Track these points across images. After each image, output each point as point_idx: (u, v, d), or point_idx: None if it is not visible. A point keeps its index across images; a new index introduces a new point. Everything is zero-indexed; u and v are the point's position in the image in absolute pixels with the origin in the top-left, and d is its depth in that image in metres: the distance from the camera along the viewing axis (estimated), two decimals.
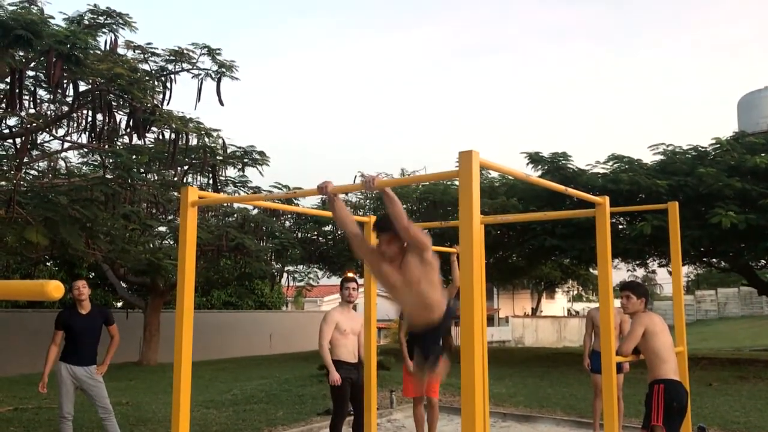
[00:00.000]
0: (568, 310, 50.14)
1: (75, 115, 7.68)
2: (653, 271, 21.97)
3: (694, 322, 41.27)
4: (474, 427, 3.16)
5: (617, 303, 5.82)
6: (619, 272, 20.91)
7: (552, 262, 23.34)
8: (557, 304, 50.38)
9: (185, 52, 7.37)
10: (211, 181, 8.91)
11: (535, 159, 15.54)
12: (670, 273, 7.30)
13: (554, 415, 9.08)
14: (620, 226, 15.52)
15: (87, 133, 7.51)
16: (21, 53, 6.49)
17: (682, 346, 5.77)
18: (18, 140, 7.61)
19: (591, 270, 25.56)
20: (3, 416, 9.13)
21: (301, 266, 20.43)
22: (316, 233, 19.82)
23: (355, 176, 17.53)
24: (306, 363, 16.45)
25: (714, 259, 17.77)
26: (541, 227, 15.38)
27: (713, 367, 15.13)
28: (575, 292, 47.24)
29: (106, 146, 7.99)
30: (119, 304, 22.42)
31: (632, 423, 7.76)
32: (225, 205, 14.40)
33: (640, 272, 20.87)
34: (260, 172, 9.52)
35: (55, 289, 1.29)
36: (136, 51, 7.49)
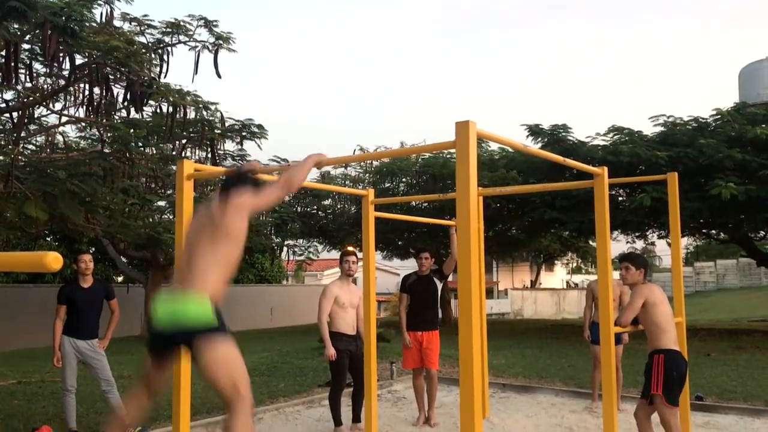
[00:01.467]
0: (567, 283, 50.36)
1: (72, 88, 7.61)
2: (652, 243, 22.00)
3: (692, 294, 41.47)
4: (473, 397, 3.19)
5: (616, 275, 5.84)
6: (619, 244, 20.92)
7: (551, 235, 23.37)
8: (556, 276, 50.58)
9: (182, 24, 7.29)
10: (209, 155, 8.87)
11: (535, 131, 15.48)
12: (669, 245, 7.32)
13: (553, 385, 9.16)
14: (620, 198, 15.51)
15: (84, 107, 7.46)
16: (16, 26, 6.42)
17: (681, 317, 5.80)
18: (15, 114, 7.56)
19: (590, 242, 25.62)
20: (7, 389, 9.21)
21: (301, 240, 20.46)
22: (315, 207, 19.82)
23: (354, 149, 17.50)
24: (307, 336, 16.55)
25: (713, 231, 17.79)
26: (541, 200, 15.37)
27: (711, 337, 15.23)
28: (574, 264, 47.43)
29: (104, 120, 7.94)
30: (120, 279, 22.50)
31: (631, 393, 7.82)
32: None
33: (640, 244, 20.91)
34: (258, 146, 9.48)
35: (54, 260, 1.29)
36: (132, 23, 7.41)
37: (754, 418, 7.14)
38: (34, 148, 9.08)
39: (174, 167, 9.27)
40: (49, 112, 8.30)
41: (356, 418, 6.82)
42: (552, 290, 40.30)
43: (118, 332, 7.23)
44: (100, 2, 6.85)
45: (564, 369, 10.63)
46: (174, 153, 9.20)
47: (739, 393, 8.34)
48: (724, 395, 8.23)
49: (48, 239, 19.74)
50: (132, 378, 9.95)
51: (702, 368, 10.19)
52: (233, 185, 3.62)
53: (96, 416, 7.29)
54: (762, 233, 17.13)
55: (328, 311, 6.68)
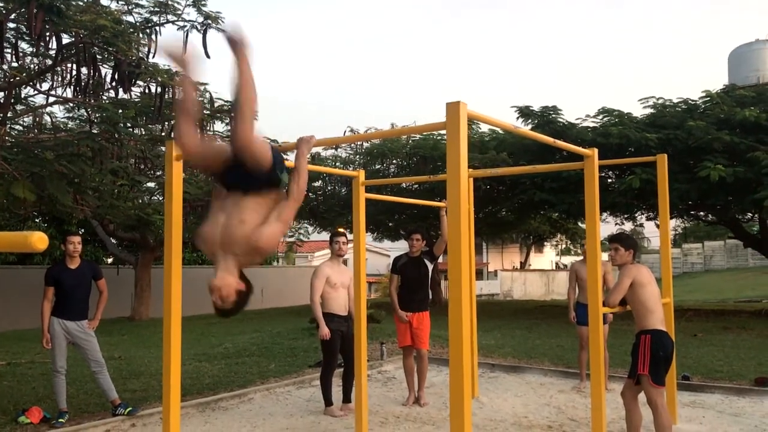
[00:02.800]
0: (557, 264, 50.63)
1: (59, 68, 7.53)
2: (641, 225, 22.11)
3: (680, 275, 41.80)
4: (462, 377, 3.22)
5: (605, 256, 5.88)
6: (607, 226, 21.04)
7: (541, 217, 23.43)
8: (546, 257, 50.83)
9: (170, 3, 7.21)
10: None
11: (525, 113, 15.46)
12: (657, 226, 7.36)
13: (542, 365, 9.24)
14: (609, 180, 15.56)
15: (72, 87, 7.38)
16: (1, 3, 6.33)
17: (668, 298, 5.85)
18: (1, 95, 7.48)
19: (579, 224, 25.72)
20: None
21: (293, 222, 20.42)
22: (310, 194, 19.78)
23: (345, 130, 17.43)
24: (297, 317, 16.59)
25: (701, 213, 17.89)
26: (531, 181, 15.40)
27: (698, 318, 15.38)
28: (563, 246, 47.63)
29: (92, 100, 7.87)
30: (110, 261, 22.41)
31: (618, 373, 7.90)
32: None
33: (628, 226, 21.01)
34: None
35: (39, 240, 1.28)
36: (120, 2, 7.32)
37: (740, 397, 7.23)
38: (21, 128, 8.99)
39: (163, 148, 9.22)
40: (36, 92, 8.21)
41: (347, 398, 6.87)
42: (541, 271, 40.50)
43: (108, 313, 7.24)
44: None
45: (553, 349, 10.72)
46: (163, 134, 9.13)
47: (725, 372, 8.44)
48: (711, 375, 8.33)
49: (37, 221, 19.63)
50: (122, 359, 9.97)
51: (689, 348, 10.30)
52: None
53: (86, 397, 7.30)
54: (749, 215, 17.24)
55: (320, 291, 6.71)
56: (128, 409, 6.52)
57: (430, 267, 7.26)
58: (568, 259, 50.60)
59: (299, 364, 9.60)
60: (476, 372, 7.69)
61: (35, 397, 7.28)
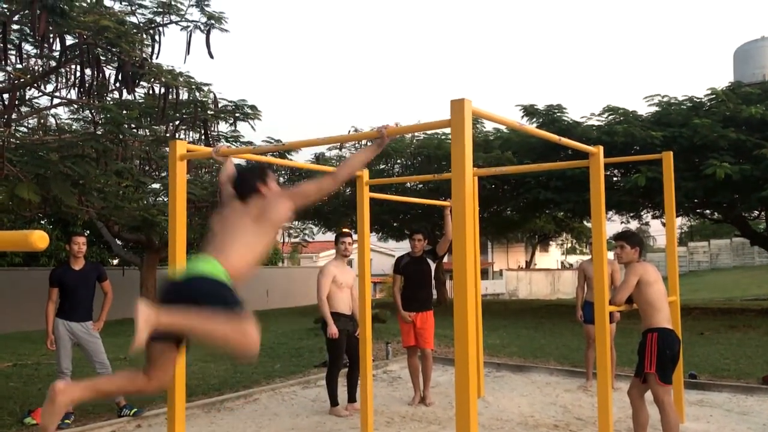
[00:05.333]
0: (562, 263, 50.53)
1: (63, 70, 7.54)
2: (647, 223, 22.00)
3: (686, 273, 41.64)
4: (468, 376, 3.20)
5: (610, 255, 5.84)
6: (613, 224, 20.97)
7: (546, 216, 23.36)
8: (551, 257, 50.75)
9: (173, 3, 7.21)
10: (202, 137, 8.81)
11: (530, 111, 15.43)
12: (663, 225, 7.32)
13: (548, 364, 9.21)
14: (614, 179, 15.51)
15: (76, 88, 7.39)
16: (5, 5, 6.33)
17: (675, 296, 5.82)
18: (5, 96, 7.49)
19: (585, 223, 25.65)
20: (2, 372, 9.22)
21: (297, 222, 20.42)
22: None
23: (349, 130, 17.41)
24: (302, 317, 16.60)
25: (707, 211, 17.82)
26: (536, 180, 15.36)
27: (705, 316, 15.32)
28: (569, 245, 47.56)
29: (96, 102, 7.87)
30: (115, 262, 22.45)
31: (624, 371, 7.87)
32: (219, 161, 14.28)
33: (634, 224, 20.93)
34: (252, 127, 9.42)
35: (39, 239, 1.27)
36: (123, 3, 7.32)
37: (747, 395, 7.20)
38: (25, 130, 9.00)
39: (167, 149, 9.22)
40: (40, 93, 8.22)
41: (352, 398, 6.85)
42: (547, 271, 40.46)
43: (113, 314, 7.23)
44: None
45: (558, 348, 10.68)
46: (167, 135, 9.14)
47: (732, 371, 8.40)
48: (718, 373, 8.29)
49: (42, 222, 19.67)
50: (127, 360, 9.97)
51: (695, 347, 10.25)
52: (260, 179, 3.50)
53: None
54: (756, 213, 17.17)
55: (327, 290, 6.70)
56: (133, 411, 6.52)
57: (433, 266, 7.25)
58: (573, 258, 50.50)
59: (304, 364, 9.60)
60: (482, 371, 7.67)
61: (41, 398, 7.26)
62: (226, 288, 3.22)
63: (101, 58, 6.96)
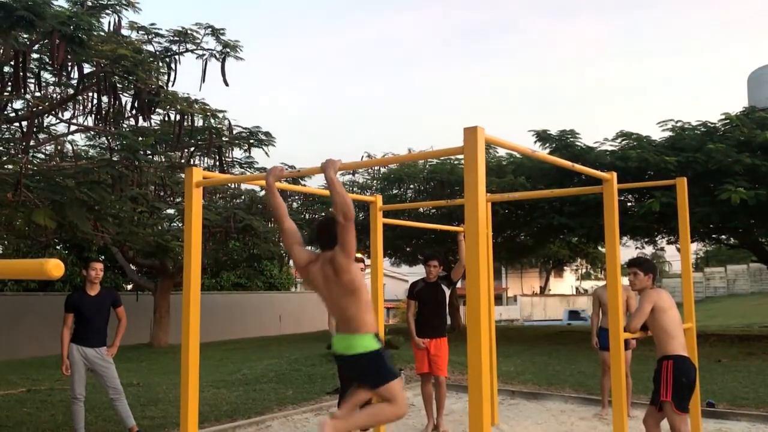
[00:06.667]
0: (577, 288, 50.19)
1: (80, 97, 7.66)
2: (662, 249, 21.95)
3: (703, 299, 41.21)
4: (482, 404, 3.17)
5: (625, 281, 5.80)
6: (628, 250, 20.87)
7: (560, 241, 23.29)
8: (565, 282, 50.44)
9: (189, 32, 7.33)
10: (217, 163, 8.90)
11: (542, 137, 15.44)
12: (678, 250, 7.27)
13: (563, 392, 9.10)
14: (628, 204, 15.44)
15: (93, 115, 7.50)
16: (25, 35, 6.46)
17: (690, 323, 5.76)
18: (24, 123, 7.61)
19: (599, 248, 25.51)
20: (16, 397, 9.24)
21: (309, 247, 20.44)
22: (323, 214, 19.82)
23: (362, 156, 17.50)
24: (315, 343, 16.53)
25: (723, 236, 17.68)
26: (549, 206, 15.32)
27: (722, 343, 15.12)
28: (583, 270, 47.26)
29: (112, 128, 7.98)
30: (129, 287, 22.56)
31: (641, 399, 7.76)
32: (232, 186, 14.40)
33: (649, 250, 20.83)
34: (266, 153, 9.48)
35: (54, 267, 1.28)
36: (140, 32, 7.46)
37: (767, 425, 7.07)
38: (43, 156, 9.13)
39: (182, 175, 9.32)
40: (57, 120, 8.35)
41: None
42: (561, 296, 40.16)
43: (127, 340, 7.25)
44: (108, 11, 6.90)
45: (573, 375, 10.57)
46: (182, 161, 9.23)
47: (751, 399, 8.27)
48: (736, 401, 8.15)
49: (58, 248, 19.83)
50: (141, 386, 9.97)
51: (713, 374, 10.11)
52: (330, 241, 4.01)
53: (104, 424, 7.29)
54: None
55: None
56: None
57: (448, 292, 7.21)
58: (588, 284, 50.15)
59: (317, 390, 9.54)
60: (496, 399, 7.59)
61: (54, 424, 7.29)
62: (382, 359, 3.89)
63: (118, 85, 7.08)
